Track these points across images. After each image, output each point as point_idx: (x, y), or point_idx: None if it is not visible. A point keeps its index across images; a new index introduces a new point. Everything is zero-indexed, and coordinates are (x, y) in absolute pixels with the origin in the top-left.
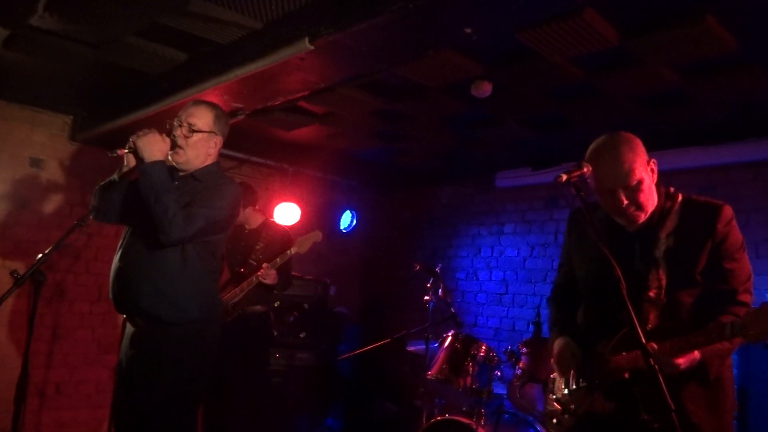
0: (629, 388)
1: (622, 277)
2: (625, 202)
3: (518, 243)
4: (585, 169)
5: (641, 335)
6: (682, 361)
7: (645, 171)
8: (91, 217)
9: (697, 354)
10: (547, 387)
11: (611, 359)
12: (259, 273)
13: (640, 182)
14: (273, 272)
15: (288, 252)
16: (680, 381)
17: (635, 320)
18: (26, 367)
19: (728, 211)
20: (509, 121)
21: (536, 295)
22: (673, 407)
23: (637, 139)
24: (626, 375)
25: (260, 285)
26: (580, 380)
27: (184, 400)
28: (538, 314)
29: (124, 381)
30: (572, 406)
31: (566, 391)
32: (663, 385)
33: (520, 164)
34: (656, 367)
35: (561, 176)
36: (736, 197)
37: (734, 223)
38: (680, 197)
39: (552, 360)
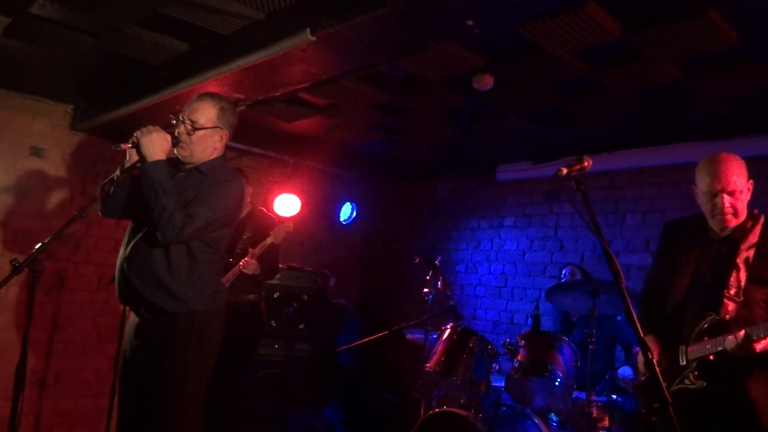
0: (715, 368)
1: (620, 272)
2: (727, 205)
3: (518, 236)
4: (585, 163)
5: (640, 330)
6: (759, 345)
7: (745, 186)
8: (99, 212)
9: None
10: (638, 369)
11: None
12: (240, 264)
13: (740, 192)
14: (254, 262)
15: (263, 243)
16: (747, 363)
17: (633, 313)
18: (25, 355)
19: None
20: (510, 115)
21: (535, 289)
22: (670, 401)
23: (742, 160)
24: (711, 357)
25: (245, 275)
26: (671, 362)
27: (189, 389)
28: (537, 307)
29: (128, 371)
30: (665, 385)
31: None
32: (660, 379)
33: (521, 158)
34: (654, 361)
35: (562, 170)
36: None
37: None
38: (762, 219)
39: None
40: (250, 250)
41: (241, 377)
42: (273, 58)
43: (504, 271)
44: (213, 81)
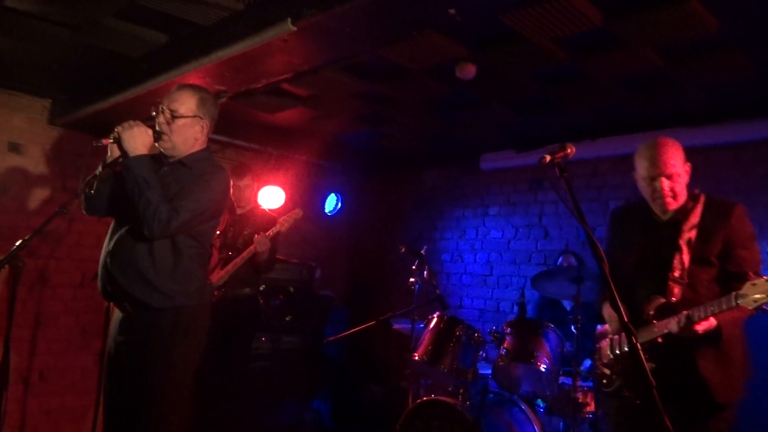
0: (665, 349)
1: (604, 257)
2: (666, 189)
3: (503, 225)
4: (568, 150)
5: (623, 315)
6: (699, 327)
7: (683, 169)
8: (82, 210)
9: (713, 320)
10: (595, 355)
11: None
12: (246, 253)
13: (678, 175)
14: (268, 242)
15: (273, 229)
16: (695, 341)
17: (617, 298)
18: (7, 354)
19: (741, 207)
20: (494, 104)
21: (520, 277)
22: (654, 384)
23: (679, 144)
24: (659, 339)
25: (246, 266)
26: (624, 346)
27: (175, 385)
28: (523, 295)
29: (113, 367)
30: (619, 367)
31: (612, 356)
32: (644, 363)
33: (505, 147)
34: (638, 345)
35: (545, 157)
36: (716, 179)
37: (746, 218)
38: (702, 198)
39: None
40: (261, 233)
41: (233, 370)
42: (254, 49)
43: (489, 259)
44: (194, 73)
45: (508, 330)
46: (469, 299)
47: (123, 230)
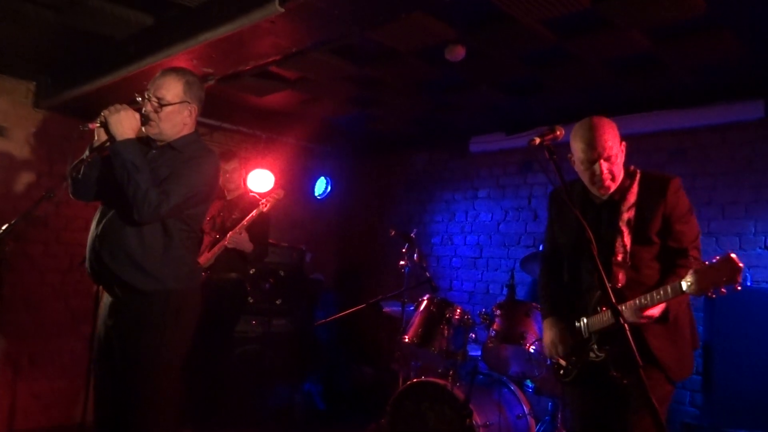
0: (616, 335)
1: (593, 239)
2: (605, 172)
3: (492, 207)
4: (558, 132)
5: (611, 296)
6: (648, 314)
7: (619, 148)
8: (70, 194)
9: (661, 305)
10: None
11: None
12: (225, 240)
13: (616, 156)
14: (244, 235)
15: (252, 213)
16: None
17: (605, 280)
18: None
19: (677, 181)
20: (483, 86)
21: (510, 259)
22: (641, 364)
23: (613, 123)
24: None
25: (233, 251)
26: (576, 336)
27: (165, 369)
28: (512, 277)
29: (102, 351)
30: (573, 359)
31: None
32: (632, 343)
33: (494, 129)
34: (626, 326)
35: (534, 139)
36: (704, 160)
37: (682, 191)
38: (638, 174)
39: (545, 340)
40: (243, 223)
41: (220, 354)
42: (241, 30)
43: (479, 242)
44: (180, 55)
45: (498, 312)
46: (459, 282)
47: (111, 214)
